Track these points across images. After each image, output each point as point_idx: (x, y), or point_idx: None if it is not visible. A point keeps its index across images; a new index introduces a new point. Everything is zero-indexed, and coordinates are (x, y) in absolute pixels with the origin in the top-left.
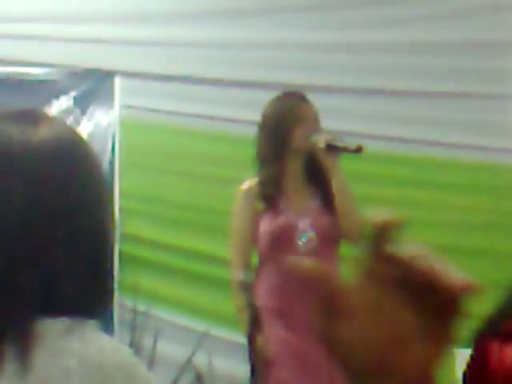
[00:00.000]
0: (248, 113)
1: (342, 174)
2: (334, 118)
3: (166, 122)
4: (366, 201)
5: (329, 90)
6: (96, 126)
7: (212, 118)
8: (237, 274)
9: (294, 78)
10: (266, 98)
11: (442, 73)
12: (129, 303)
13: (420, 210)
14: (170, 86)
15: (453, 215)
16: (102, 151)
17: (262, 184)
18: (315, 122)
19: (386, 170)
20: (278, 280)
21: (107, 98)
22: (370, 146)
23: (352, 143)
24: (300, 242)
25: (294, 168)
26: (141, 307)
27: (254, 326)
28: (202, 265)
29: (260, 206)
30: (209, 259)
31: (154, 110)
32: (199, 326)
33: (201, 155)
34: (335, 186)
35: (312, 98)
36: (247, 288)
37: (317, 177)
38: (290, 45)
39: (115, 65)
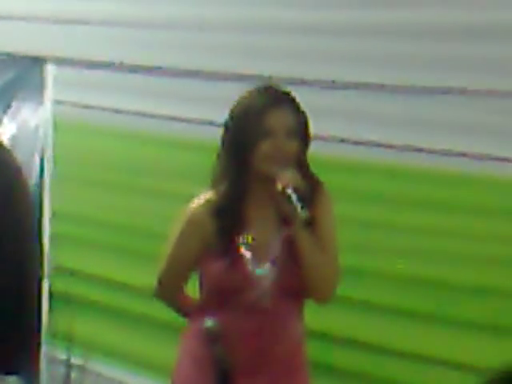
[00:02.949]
0: (216, 113)
1: (300, 221)
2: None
3: (112, 123)
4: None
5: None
6: (21, 127)
7: (171, 118)
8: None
9: (284, 70)
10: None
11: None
12: (61, 354)
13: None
14: (118, 77)
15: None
16: (29, 160)
17: (217, 212)
18: (288, 135)
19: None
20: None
21: (35, 92)
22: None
23: (304, 209)
24: (251, 297)
25: (260, 195)
26: (76, 359)
27: None
28: (154, 307)
29: (211, 237)
30: None
31: (97, 108)
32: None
33: (156, 166)
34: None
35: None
36: (215, 338)
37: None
38: (278, 26)
39: (46, 49)
